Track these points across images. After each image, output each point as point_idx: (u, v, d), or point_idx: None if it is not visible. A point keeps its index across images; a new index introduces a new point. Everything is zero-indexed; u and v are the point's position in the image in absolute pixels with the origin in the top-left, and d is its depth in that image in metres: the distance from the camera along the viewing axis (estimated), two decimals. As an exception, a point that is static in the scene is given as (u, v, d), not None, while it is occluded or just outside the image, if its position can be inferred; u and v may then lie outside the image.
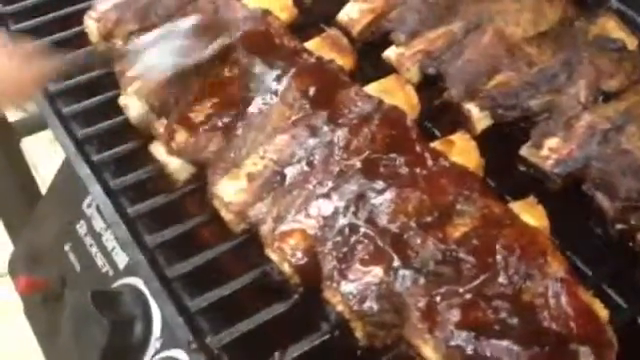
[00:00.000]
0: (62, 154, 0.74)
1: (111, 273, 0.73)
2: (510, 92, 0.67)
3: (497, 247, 0.53)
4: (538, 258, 0.53)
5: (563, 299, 0.51)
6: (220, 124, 0.63)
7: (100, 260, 0.74)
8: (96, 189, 0.64)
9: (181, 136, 0.63)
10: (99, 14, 0.71)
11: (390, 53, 0.73)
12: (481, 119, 0.68)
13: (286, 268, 0.57)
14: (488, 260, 0.52)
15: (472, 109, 0.68)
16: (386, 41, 0.75)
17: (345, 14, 0.76)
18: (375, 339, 0.54)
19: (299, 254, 0.56)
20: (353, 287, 0.54)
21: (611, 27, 0.72)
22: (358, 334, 0.54)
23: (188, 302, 0.58)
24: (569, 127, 0.64)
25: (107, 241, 0.74)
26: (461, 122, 0.68)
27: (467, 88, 0.68)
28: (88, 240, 0.76)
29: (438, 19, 0.73)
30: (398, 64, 0.72)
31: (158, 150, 0.64)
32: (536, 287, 0.52)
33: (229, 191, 0.60)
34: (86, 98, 0.71)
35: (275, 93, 0.64)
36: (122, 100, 0.67)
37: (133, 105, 0.66)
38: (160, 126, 0.64)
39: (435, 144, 0.62)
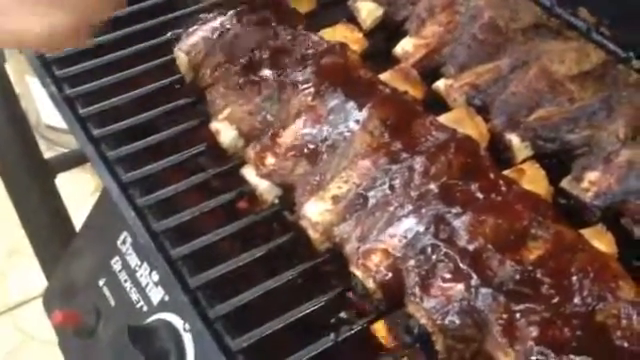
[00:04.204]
0: (94, 189, 0.76)
1: (145, 308, 0.76)
2: (550, 125, 0.72)
3: (572, 270, 0.57)
4: (610, 282, 0.57)
5: (635, 320, 0.55)
6: (306, 150, 0.68)
7: (134, 295, 0.78)
8: (140, 232, 0.68)
9: (270, 160, 0.68)
10: (188, 47, 0.76)
11: (440, 84, 0.78)
12: (522, 149, 0.72)
13: (370, 284, 0.61)
14: (564, 282, 0.57)
15: (513, 139, 0.72)
16: (437, 73, 0.80)
17: (400, 47, 0.82)
18: (454, 352, 0.58)
19: (383, 270, 0.61)
20: (436, 302, 0.58)
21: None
22: (438, 347, 0.58)
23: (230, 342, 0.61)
24: (608, 162, 0.68)
25: (141, 277, 0.78)
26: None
27: (509, 119, 0.73)
28: (123, 276, 0.80)
29: (487, 56, 0.78)
30: (446, 94, 0.77)
31: (249, 173, 0.69)
32: (609, 309, 0.56)
33: (316, 212, 0.64)
34: (129, 142, 0.75)
35: (356, 122, 0.68)
36: (213, 126, 0.72)
37: (224, 131, 0.71)
38: (251, 150, 0.69)
39: (507, 172, 0.67)
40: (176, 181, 0.72)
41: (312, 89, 0.71)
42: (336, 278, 0.67)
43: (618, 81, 0.74)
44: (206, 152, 0.75)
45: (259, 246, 0.67)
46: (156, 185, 0.72)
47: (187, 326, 0.72)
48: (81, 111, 0.77)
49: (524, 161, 0.71)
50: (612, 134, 0.69)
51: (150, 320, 0.75)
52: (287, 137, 0.68)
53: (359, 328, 0.62)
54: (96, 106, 0.77)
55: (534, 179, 0.66)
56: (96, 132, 0.75)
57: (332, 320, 0.72)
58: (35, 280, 1.27)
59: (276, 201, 0.70)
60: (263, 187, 0.68)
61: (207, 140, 0.74)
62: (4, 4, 0.46)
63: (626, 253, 0.63)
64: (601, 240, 0.61)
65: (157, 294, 0.77)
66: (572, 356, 0.53)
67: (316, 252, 0.66)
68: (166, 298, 0.75)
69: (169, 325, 0.73)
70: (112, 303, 0.82)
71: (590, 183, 0.67)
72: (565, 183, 0.68)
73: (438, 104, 0.76)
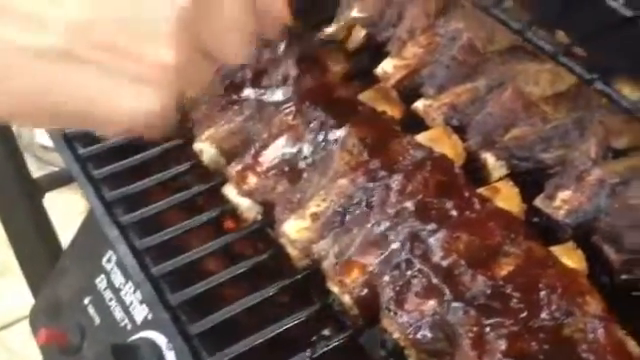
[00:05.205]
0: (82, 209, 0.77)
1: (129, 327, 0.78)
2: (525, 145, 0.73)
3: (540, 286, 0.59)
4: (578, 297, 0.58)
5: (600, 335, 0.57)
6: (286, 169, 0.69)
7: (119, 314, 0.79)
8: (123, 249, 0.69)
9: (251, 179, 0.69)
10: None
11: (419, 104, 0.80)
12: (497, 168, 0.74)
13: (347, 299, 0.63)
14: (532, 297, 0.58)
15: (489, 158, 0.74)
16: (416, 94, 0.81)
17: (381, 68, 0.83)
18: (427, 366, 0.60)
19: (359, 286, 0.62)
20: (409, 317, 0.59)
21: (626, 91, 0.77)
22: (411, 361, 0.60)
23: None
24: (580, 180, 0.69)
25: (126, 295, 0.79)
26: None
27: (485, 139, 0.74)
28: (107, 294, 0.81)
29: (465, 77, 0.80)
30: (425, 114, 0.79)
31: (230, 191, 0.70)
32: (576, 323, 0.57)
33: (293, 229, 0.66)
34: (115, 161, 0.76)
35: (335, 141, 0.70)
36: (196, 145, 0.74)
37: (206, 150, 0.73)
38: (232, 169, 0.71)
39: (481, 190, 0.69)
40: (161, 200, 0.74)
41: (293, 108, 0.73)
42: (317, 295, 0.69)
43: (591, 102, 0.76)
44: (191, 170, 0.77)
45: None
46: (141, 203, 0.73)
47: (170, 344, 0.73)
48: (68, 130, 0.78)
49: (499, 180, 0.73)
50: (584, 153, 0.71)
51: (133, 338, 0.76)
52: (268, 156, 0.70)
53: (335, 344, 0.63)
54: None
55: (508, 197, 0.68)
56: (82, 151, 0.76)
57: (314, 337, 0.73)
58: (26, 300, 1.28)
59: (259, 218, 0.71)
60: (245, 205, 0.70)
61: (192, 158, 0.76)
62: (96, 90, 0.40)
63: (595, 270, 0.64)
64: (571, 257, 0.63)
65: (141, 312, 0.78)
66: (539, 369, 0.55)
67: (298, 269, 0.68)
68: (149, 316, 0.77)
69: (152, 343, 0.74)
70: (97, 322, 0.83)
71: (562, 201, 0.69)
72: (538, 201, 0.70)
73: (417, 124, 0.78)
